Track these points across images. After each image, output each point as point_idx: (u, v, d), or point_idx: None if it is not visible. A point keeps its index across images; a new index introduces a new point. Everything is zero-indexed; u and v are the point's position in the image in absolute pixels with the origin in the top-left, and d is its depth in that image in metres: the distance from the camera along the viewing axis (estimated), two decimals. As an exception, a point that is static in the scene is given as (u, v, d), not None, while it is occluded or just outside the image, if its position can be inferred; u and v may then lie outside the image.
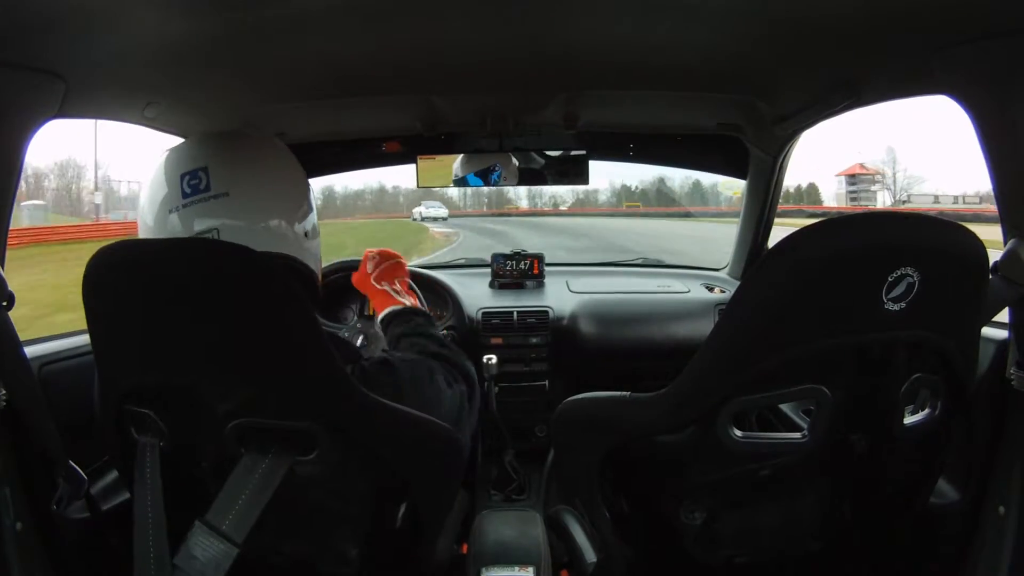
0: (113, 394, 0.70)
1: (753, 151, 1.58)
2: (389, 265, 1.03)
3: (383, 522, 0.79)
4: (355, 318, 1.56)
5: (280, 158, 0.84)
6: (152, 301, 0.63)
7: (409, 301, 0.98)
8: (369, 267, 1.03)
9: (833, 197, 26.82)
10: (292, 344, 0.63)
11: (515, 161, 1.62)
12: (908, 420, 0.75)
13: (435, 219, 15.48)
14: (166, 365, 0.66)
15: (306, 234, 0.82)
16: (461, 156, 1.61)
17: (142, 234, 0.77)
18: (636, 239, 13.10)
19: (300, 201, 0.83)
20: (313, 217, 0.85)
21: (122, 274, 0.65)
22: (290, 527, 0.74)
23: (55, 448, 0.84)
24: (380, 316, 0.97)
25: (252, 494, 0.64)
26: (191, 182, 0.74)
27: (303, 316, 0.63)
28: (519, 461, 1.62)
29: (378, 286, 1.00)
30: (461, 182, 1.62)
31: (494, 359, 1.49)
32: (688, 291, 1.75)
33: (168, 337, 0.64)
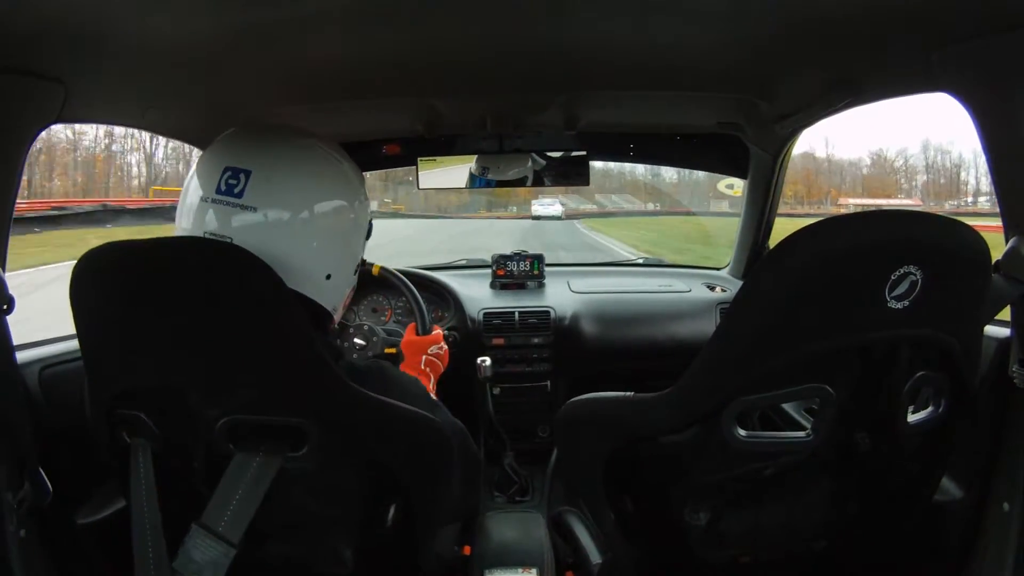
0: (103, 397, 0.70)
1: (753, 150, 1.58)
2: (438, 364, 1.12)
3: (375, 521, 0.79)
4: (356, 319, 1.56)
5: (336, 186, 0.75)
6: (138, 303, 0.63)
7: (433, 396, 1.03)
8: (432, 348, 1.11)
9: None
10: (279, 341, 0.63)
11: (515, 162, 1.62)
12: (911, 418, 0.75)
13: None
14: (154, 367, 0.66)
15: (328, 277, 0.75)
16: (462, 158, 1.61)
17: (177, 214, 0.74)
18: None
19: (338, 239, 0.76)
20: (351, 254, 0.80)
21: (108, 277, 0.65)
22: (284, 528, 0.75)
23: (27, 453, 0.82)
24: None
25: (246, 493, 0.65)
26: (229, 180, 0.69)
27: (291, 313, 0.63)
28: (522, 462, 1.62)
29: (422, 367, 1.08)
30: (461, 183, 1.63)
31: (487, 361, 1.45)
32: (689, 290, 1.75)
33: (155, 339, 0.64)
